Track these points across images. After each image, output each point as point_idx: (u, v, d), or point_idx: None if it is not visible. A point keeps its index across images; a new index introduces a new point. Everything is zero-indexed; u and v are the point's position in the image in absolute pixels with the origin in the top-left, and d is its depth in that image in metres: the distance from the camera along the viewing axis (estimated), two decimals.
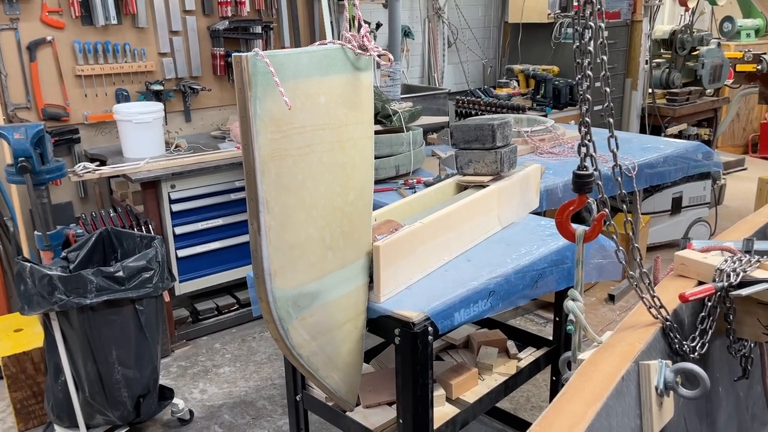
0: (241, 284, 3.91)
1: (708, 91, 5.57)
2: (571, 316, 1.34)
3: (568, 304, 1.34)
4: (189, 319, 3.75)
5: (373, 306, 1.77)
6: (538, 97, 4.82)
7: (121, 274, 2.50)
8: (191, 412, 2.99)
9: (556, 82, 4.77)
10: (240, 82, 1.39)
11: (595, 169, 1.28)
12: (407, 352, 1.71)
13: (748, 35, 6.97)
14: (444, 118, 4.14)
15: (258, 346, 3.63)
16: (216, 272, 3.68)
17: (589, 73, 1.20)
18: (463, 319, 1.81)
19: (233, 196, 3.64)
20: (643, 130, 5.23)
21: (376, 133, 2.77)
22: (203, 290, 3.73)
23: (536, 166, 2.47)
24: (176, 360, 3.51)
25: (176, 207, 3.44)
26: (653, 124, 5.26)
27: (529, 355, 2.34)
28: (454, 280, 1.88)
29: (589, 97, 1.22)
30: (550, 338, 2.47)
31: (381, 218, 1.96)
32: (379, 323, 1.77)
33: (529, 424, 2.77)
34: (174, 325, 3.61)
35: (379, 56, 1.64)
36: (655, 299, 1.39)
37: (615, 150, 1.29)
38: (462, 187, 2.35)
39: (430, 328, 1.71)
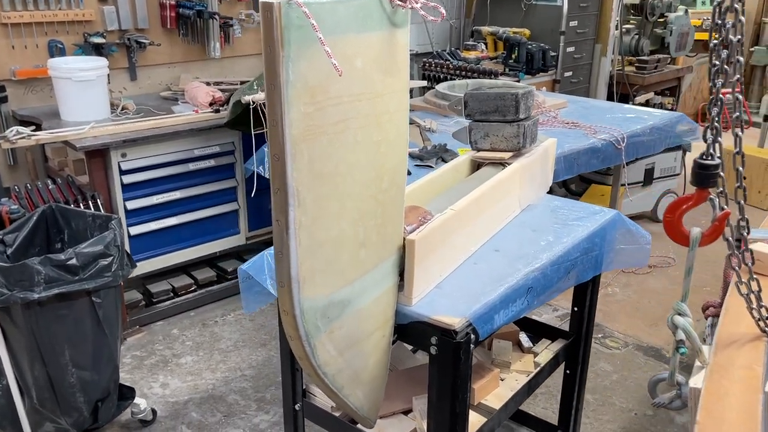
0: (198, 263, 3.55)
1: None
2: (680, 334, 1.12)
3: (678, 319, 1.11)
4: (142, 302, 3.37)
5: (404, 310, 1.51)
6: (510, 61, 4.58)
7: (74, 261, 2.12)
8: (154, 412, 2.66)
9: (530, 46, 4.54)
10: (269, 39, 1.07)
11: (719, 157, 1.05)
12: (447, 363, 1.46)
13: (703, 2, 6.95)
14: (421, 83, 3.84)
15: (221, 331, 3.30)
16: (172, 251, 3.30)
17: (733, 38, 0.95)
18: (502, 321, 1.58)
19: (192, 167, 3.24)
20: (610, 98, 5.09)
21: None
22: (157, 271, 3.35)
23: (552, 140, 2.23)
24: (129, 349, 3.14)
25: (128, 179, 3.02)
26: (621, 92, 5.13)
27: (545, 349, 2.14)
28: (489, 276, 1.63)
29: (727, 68, 0.98)
30: (546, 323, 2.28)
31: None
32: (411, 330, 1.51)
33: (529, 416, 2.63)
34: (125, 309, 3.22)
35: (423, 9, 1.34)
36: (763, 310, 1.18)
37: (740, 132, 1.06)
38: (476, 165, 2.09)
39: (472, 336, 1.47)
